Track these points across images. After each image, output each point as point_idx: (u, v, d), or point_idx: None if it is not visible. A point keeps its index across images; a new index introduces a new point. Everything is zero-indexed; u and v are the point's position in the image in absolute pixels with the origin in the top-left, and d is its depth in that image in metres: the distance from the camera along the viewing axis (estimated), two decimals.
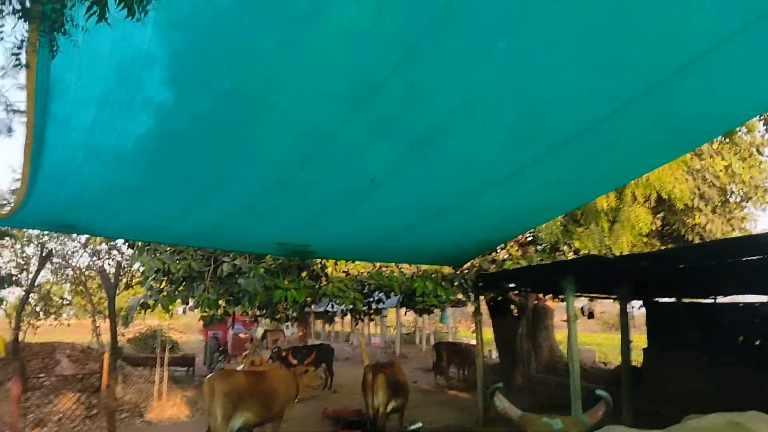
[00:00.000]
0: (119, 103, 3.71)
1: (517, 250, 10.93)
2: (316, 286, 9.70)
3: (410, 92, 3.73)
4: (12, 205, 5.63)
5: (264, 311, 13.32)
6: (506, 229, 7.03)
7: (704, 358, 10.28)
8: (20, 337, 19.18)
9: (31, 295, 20.73)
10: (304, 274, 9.90)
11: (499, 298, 13.48)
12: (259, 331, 13.46)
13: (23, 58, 2.99)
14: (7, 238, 17.16)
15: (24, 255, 18.77)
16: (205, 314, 10.23)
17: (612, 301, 14.31)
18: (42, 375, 12.42)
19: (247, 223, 6.33)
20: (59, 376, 11.53)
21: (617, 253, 8.86)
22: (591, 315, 14.06)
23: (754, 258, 6.41)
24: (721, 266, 7.07)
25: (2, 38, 2.80)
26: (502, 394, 2.61)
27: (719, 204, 10.01)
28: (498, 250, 10.68)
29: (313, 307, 15.28)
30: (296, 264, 9.51)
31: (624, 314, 8.75)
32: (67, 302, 23.45)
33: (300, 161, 4.70)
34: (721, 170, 9.58)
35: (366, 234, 6.92)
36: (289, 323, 23.13)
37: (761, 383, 8.82)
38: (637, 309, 12.76)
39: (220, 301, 10.28)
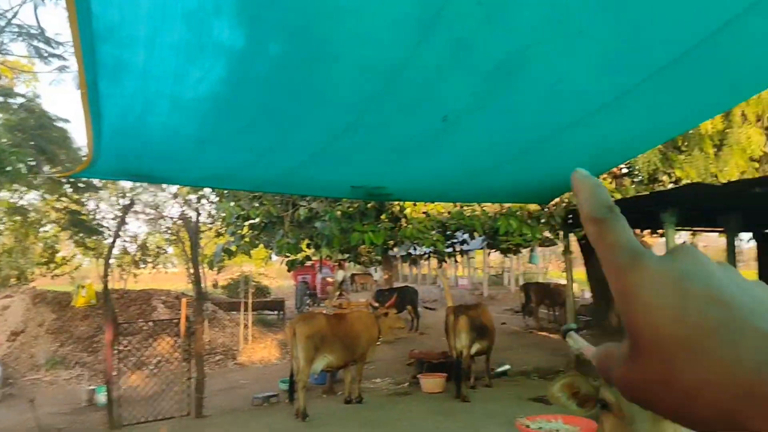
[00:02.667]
0: (169, 45, 3.39)
1: (610, 183, 10.18)
2: (395, 228, 9.41)
3: (485, 9, 3.17)
4: (86, 157, 5.56)
5: (347, 255, 13.27)
6: (600, 163, 6.34)
7: None
8: (122, 285, 20.25)
9: (132, 245, 21.82)
10: (382, 216, 9.63)
11: None
12: (340, 275, 13.47)
13: None
14: (102, 191, 17.96)
15: (120, 207, 19.62)
16: (286, 258, 10.22)
17: (717, 234, 13.29)
18: (140, 320, 13.01)
19: (320, 168, 6.02)
20: (155, 321, 11.99)
21: (724, 181, 8.00)
22: None
23: None
24: None
25: None
26: (577, 334, 2.16)
27: None
28: None
29: (396, 249, 15.12)
30: (374, 206, 9.24)
31: (731, 248, 7.96)
32: (164, 251, 24.53)
33: (370, 99, 4.27)
34: None
35: (444, 174, 6.45)
36: (375, 266, 23.29)
37: None
38: (746, 242, 11.75)
39: (301, 245, 10.24)
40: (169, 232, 21.49)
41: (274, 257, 18.19)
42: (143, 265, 21.57)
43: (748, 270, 13.11)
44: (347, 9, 3.22)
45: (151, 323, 11.81)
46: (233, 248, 9.97)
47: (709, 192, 6.72)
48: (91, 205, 18.43)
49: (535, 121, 4.84)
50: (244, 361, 12.93)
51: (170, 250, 26.21)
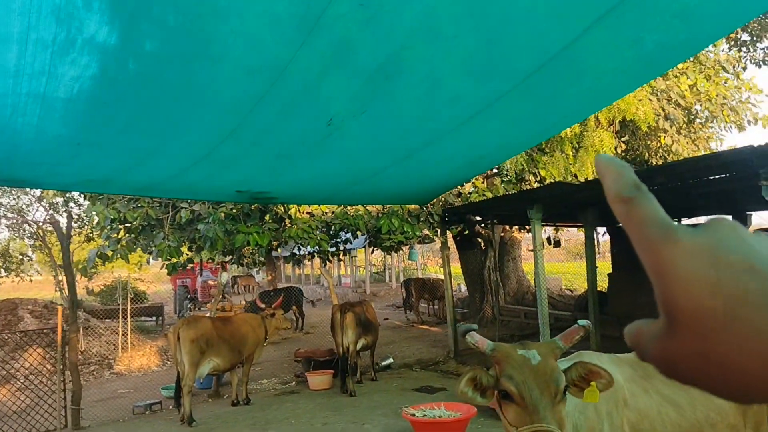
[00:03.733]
0: (44, 43, 3.30)
1: (482, 182, 10.82)
2: (280, 229, 9.49)
3: (366, 12, 3.39)
4: None
5: (230, 257, 13.13)
6: (474, 166, 6.80)
7: None
8: None
9: None
10: (267, 217, 9.67)
11: (466, 232, 13.47)
12: (224, 277, 13.32)
13: None
14: None
15: None
16: (167, 262, 9.98)
17: (576, 229, 14.44)
18: (5, 332, 12.16)
19: (203, 173, 5.97)
20: (23, 332, 11.25)
21: (582, 180, 8.80)
22: (557, 243, 14.19)
23: (719, 177, 6.36)
24: (686, 187, 7.04)
25: None
26: (475, 332, 2.39)
27: (684, 124, 9.96)
28: (463, 183, 10.55)
29: (280, 250, 15.11)
30: (258, 208, 9.26)
31: (590, 240, 8.76)
32: (28, 258, 22.89)
33: (254, 101, 4.35)
34: (685, 90, 9.48)
35: (329, 180, 6.63)
36: (257, 268, 23.07)
37: None
38: (602, 236, 12.87)
39: (182, 249, 10.05)
40: (34, 237, 20.09)
41: (151, 261, 17.57)
42: (5, 273, 20.01)
43: (605, 261, 14.34)
44: (229, 8, 3.32)
45: (18, 334, 11.09)
46: (108, 253, 9.60)
47: (568, 190, 7.38)
48: None
49: (415, 128, 5.14)
50: (122, 370, 12.44)
51: (34, 256, 24.49)
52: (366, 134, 5.07)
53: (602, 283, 12.73)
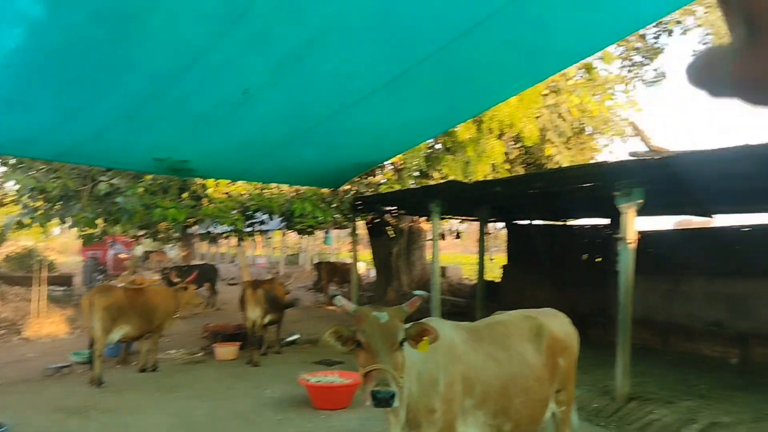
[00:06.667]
0: None
1: (392, 175, 11.62)
2: (197, 207, 9.93)
3: (282, 12, 4.04)
4: None
5: (145, 231, 13.38)
6: (379, 150, 7.45)
7: (554, 273, 11.64)
8: None
9: None
10: (184, 194, 10.09)
11: (377, 220, 14.27)
12: (139, 251, 13.55)
13: None
14: None
15: None
16: (83, 233, 10.23)
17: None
18: None
19: (123, 136, 6.35)
20: None
21: (479, 179, 9.73)
22: (458, 235, 15.21)
23: (592, 185, 7.35)
24: (566, 192, 8.03)
25: None
26: (341, 297, 3.20)
27: (571, 136, 11.11)
28: (375, 174, 11.31)
29: (195, 228, 15.42)
30: (177, 184, 9.67)
31: (481, 234, 9.73)
32: None
33: (176, 73, 4.90)
34: (573, 107, 10.60)
35: (244, 148, 7.14)
36: (171, 244, 23.10)
37: (598, 294, 10.22)
38: (499, 230, 14.00)
39: (98, 221, 10.31)
40: None
41: (57, 231, 17.36)
42: None
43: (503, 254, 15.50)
44: (159, 5, 3.91)
45: None
46: (26, 221, 9.77)
47: (463, 188, 8.27)
48: None
49: (322, 98, 5.81)
50: (31, 336, 12.52)
51: None
52: (278, 103, 5.65)
53: (499, 273, 13.91)
